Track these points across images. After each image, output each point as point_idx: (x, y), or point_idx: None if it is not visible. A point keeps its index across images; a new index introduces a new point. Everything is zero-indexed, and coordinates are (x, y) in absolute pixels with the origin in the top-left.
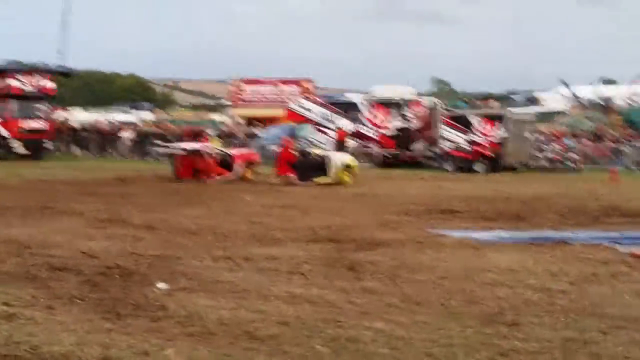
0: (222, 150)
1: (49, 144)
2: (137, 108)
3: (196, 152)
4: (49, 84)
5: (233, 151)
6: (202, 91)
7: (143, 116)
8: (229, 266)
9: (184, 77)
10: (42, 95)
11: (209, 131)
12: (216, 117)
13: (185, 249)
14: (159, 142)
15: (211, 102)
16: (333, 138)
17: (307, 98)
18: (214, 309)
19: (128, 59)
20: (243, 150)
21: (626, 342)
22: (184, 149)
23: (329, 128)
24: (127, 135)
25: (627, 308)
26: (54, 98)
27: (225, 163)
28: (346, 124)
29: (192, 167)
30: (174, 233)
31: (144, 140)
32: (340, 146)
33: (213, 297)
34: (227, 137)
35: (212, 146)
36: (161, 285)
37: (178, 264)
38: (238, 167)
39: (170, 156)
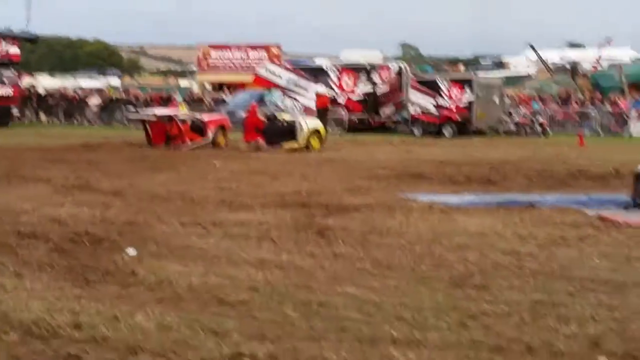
0: (194, 116)
1: (14, 111)
2: (104, 74)
3: (169, 118)
4: (14, 50)
5: (205, 117)
6: (169, 57)
7: (110, 82)
8: (199, 232)
9: (151, 43)
10: (6, 62)
11: (177, 97)
12: (184, 82)
13: (155, 215)
14: (130, 108)
15: (178, 68)
16: (305, 104)
17: (275, 63)
18: (183, 274)
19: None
20: (215, 116)
21: (594, 304)
22: (156, 115)
23: (297, 93)
24: (94, 101)
25: (595, 270)
26: (18, 64)
27: (198, 129)
28: (325, 90)
29: (164, 133)
30: (142, 199)
31: (111, 107)
32: (322, 114)
33: (183, 263)
34: (194, 102)
35: (184, 112)
36: (130, 251)
37: (147, 230)
38: (211, 132)
39: (143, 122)
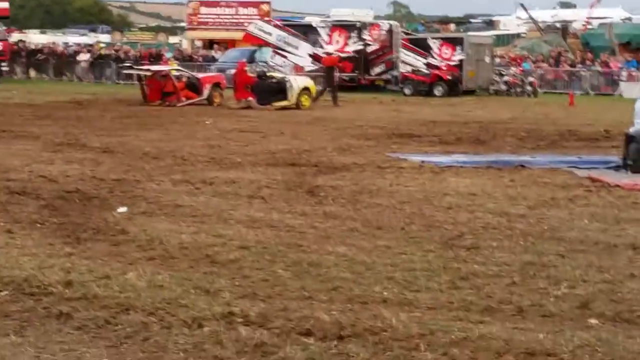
0: (190, 73)
1: (3, 66)
2: (94, 30)
3: (164, 75)
4: (3, 4)
5: (200, 74)
6: (159, 13)
7: (100, 38)
8: (189, 190)
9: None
10: None
11: (167, 54)
12: (174, 39)
13: (145, 172)
14: (126, 63)
15: (168, 25)
16: (295, 62)
17: (265, 21)
18: (174, 233)
19: None
20: (210, 73)
21: (584, 265)
22: (152, 71)
23: (287, 51)
24: (84, 58)
25: (585, 232)
26: (7, 19)
27: (193, 86)
28: (332, 48)
29: (160, 90)
30: (133, 157)
31: (100, 63)
32: (329, 73)
33: (173, 221)
34: (184, 60)
35: (180, 69)
36: (121, 209)
37: (138, 188)
38: (206, 90)
39: (138, 78)
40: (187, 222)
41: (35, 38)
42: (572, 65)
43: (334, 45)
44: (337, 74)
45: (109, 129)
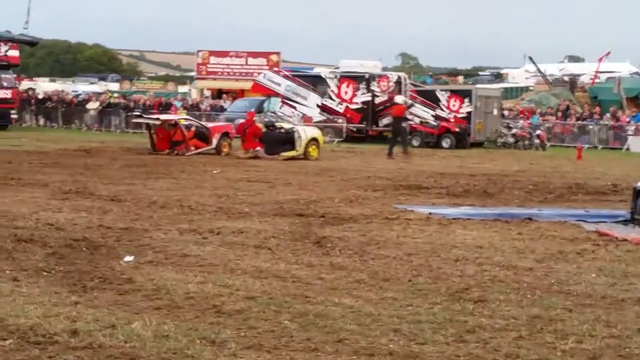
0: (199, 123)
1: (14, 114)
2: (103, 79)
3: (173, 124)
4: (13, 53)
5: (209, 124)
6: (168, 62)
7: (109, 87)
8: (196, 239)
9: (150, 49)
10: (5, 64)
11: (176, 103)
12: (183, 89)
13: (152, 221)
14: (135, 112)
15: (177, 74)
16: (304, 112)
17: (274, 71)
18: (181, 282)
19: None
20: (219, 123)
21: (591, 320)
22: (161, 120)
23: (296, 102)
24: (93, 106)
25: (593, 286)
26: (17, 67)
27: (202, 135)
28: (403, 99)
29: (168, 139)
30: (140, 206)
31: (109, 112)
32: (397, 124)
33: (180, 271)
34: (192, 109)
35: (189, 118)
36: (128, 258)
37: (145, 237)
38: (215, 139)
39: (147, 127)
40: (194, 271)
41: (44, 86)
42: (580, 118)
43: (399, 97)
44: (405, 124)
45: (117, 177)
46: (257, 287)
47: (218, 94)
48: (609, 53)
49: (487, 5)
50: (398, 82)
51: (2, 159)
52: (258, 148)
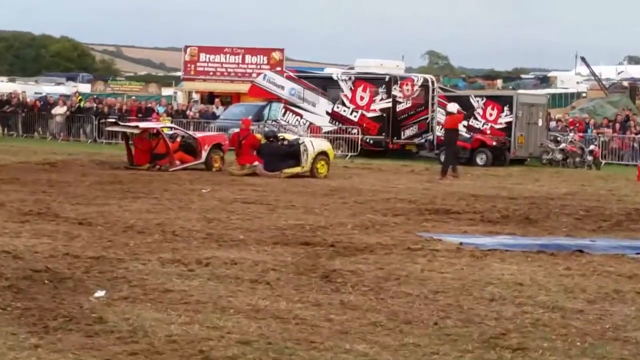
0: (185, 132)
1: None
2: (72, 79)
3: (155, 133)
4: None
5: (198, 133)
6: (149, 59)
7: (79, 88)
8: (180, 272)
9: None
10: None
11: (159, 108)
12: (167, 91)
13: (128, 250)
14: (110, 119)
15: (160, 73)
16: (311, 121)
17: (277, 71)
18: (161, 323)
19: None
20: (209, 133)
21: None
22: (141, 128)
23: (302, 108)
24: (60, 111)
25: None
26: None
27: (189, 147)
28: (456, 108)
29: (149, 152)
30: (114, 230)
31: (79, 118)
32: (452, 136)
33: (161, 309)
34: (178, 116)
35: (174, 126)
36: (99, 293)
37: (119, 268)
38: (204, 152)
39: (124, 137)
40: (178, 310)
41: (1, 87)
42: None
43: (453, 106)
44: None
45: (87, 196)
46: (252, 329)
47: (209, 98)
48: None
49: None
50: (425, 86)
51: None
52: (256, 163)
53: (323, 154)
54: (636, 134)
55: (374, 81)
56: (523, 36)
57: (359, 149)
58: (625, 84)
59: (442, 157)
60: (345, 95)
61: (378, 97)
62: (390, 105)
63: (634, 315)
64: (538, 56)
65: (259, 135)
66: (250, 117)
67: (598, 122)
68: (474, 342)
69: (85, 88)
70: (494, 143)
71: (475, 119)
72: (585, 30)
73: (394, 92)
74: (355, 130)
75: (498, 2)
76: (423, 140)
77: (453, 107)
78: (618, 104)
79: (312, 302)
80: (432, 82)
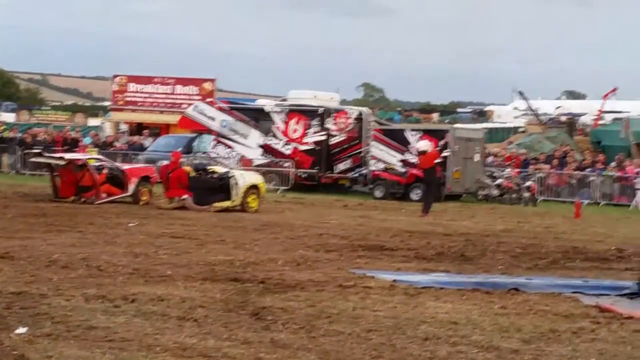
0: (113, 164)
1: None
2: None
3: (81, 165)
4: None
5: (126, 165)
6: (76, 89)
7: (3, 117)
8: (105, 308)
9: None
10: None
11: (86, 139)
12: (94, 121)
13: (52, 285)
14: (35, 150)
15: (87, 103)
16: (242, 153)
17: (208, 102)
18: None
19: None
20: (138, 165)
21: None
22: (66, 159)
23: (233, 140)
24: None
25: None
26: None
27: (116, 180)
28: (428, 145)
29: (74, 183)
30: (37, 265)
31: (2, 148)
32: (431, 175)
33: (85, 346)
34: (106, 147)
35: (101, 157)
36: (20, 330)
37: (42, 304)
38: (132, 185)
39: (48, 168)
40: (102, 348)
41: None
42: (580, 168)
43: (424, 143)
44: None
45: (9, 229)
46: None
47: (138, 129)
48: (615, 89)
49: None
50: (359, 119)
51: None
52: (185, 196)
53: (254, 187)
54: (574, 169)
55: (308, 113)
56: (460, 69)
57: (291, 182)
58: (564, 119)
59: (422, 195)
60: (278, 128)
61: (311, 130)
62: (324, 138)
63: (569, 355)
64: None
65: (188, 168)
66: (180, 149)
67: (535, 158)
68: None
69: (9, 117)
70: None
71: (411, 153)
72: (523, 64)
73: (327, 125)
74: (287, 164)
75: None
76: (357, 175)
77: (425, 145)
78: (556, 139)
79: (241, 340)
80: (367, 115)
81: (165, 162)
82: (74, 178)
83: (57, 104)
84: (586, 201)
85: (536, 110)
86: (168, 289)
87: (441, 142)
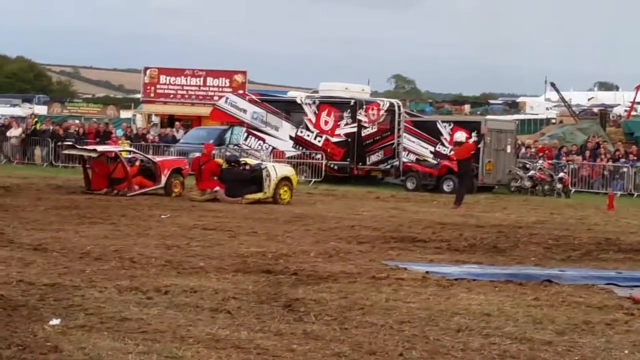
0: (145, 156)
1: None
2: (28, 100)
3: (113, 157)
4: None
5: (157, 157)
6: (108, 81)
7: (35, 110)
8: (138, 300)
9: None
10: None
11: (118, 131)
12: (126, 114)
13: (85, 277)
14: (67, 142)
15: (119, 95)
16: (274, 146)
17: (239, 94)
18: (119, 352)
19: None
20: (169, 157)
21: None
22: (99, 151)
23: (265, 132)
24: (15, 133)
25: None
26: None
27: (148, 172)
28: (462, 134)
29: (107, 176)
30: (70, 257)
31: (35, 141)
32: (466, 166)
33: (118, 338)
34: (137, 139)
35: (133, 150)
36: (54, 321)
37: (75, 296)
38: (164, 177)
39: (81, 160)
40: (135, 339)
41: None
42: (613, 159)
43: (461, 134)
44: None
45: (43, 221)
46: (212, 359)
47: (169, 121)
48: None
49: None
50: (391, 111)
51: None
52: (217, 188)
53: (286, 179)
54: (607, 161)
55: (339, 105)
56: (492, 61)
57: (323, 174)
58: (596, 110)
59: (458, 186)
60: (309, 120)
61: (343, 122)
62: (355, 130)
63: (603, 347)
64: (507, 81)
65: (220, 160)
66: (211, 142)
67: (568, 149)
68: None
69: (42, 110)
70: None
71: (443, 145)
72: (556, 56)
73: (359, 117)
74: (319, 156)
75: (466, 25)
76: (389, 166)
77: (461, 136)
78: (588, 130)
79: (274, 332)
80: (399, 107)
81: (197, 154)
82: (106, 170)
83: (89, 96)
84: (619, 192)
85: (568, 102)
86: (200, 281)
87: (474, 134)
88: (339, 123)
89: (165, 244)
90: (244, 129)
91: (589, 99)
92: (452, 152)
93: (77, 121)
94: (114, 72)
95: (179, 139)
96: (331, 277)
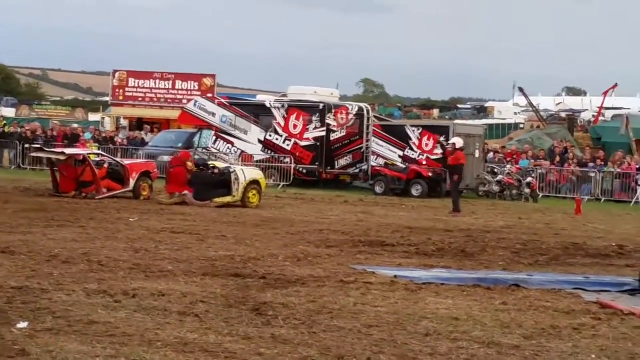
0: (113, 159)
1: None
2: None
3: (81, 160)
4: None
5: (126, 161)
6: (76, 84)
7: (3, 112)
8: (106, 303)
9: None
10: None
11: (86, 134)
12: (94, 117)
13: (53, 280)
14: (35, 145)
15: (87, 98)
16: (243, 149)
17: (208, 98)
18: (86, 356)
19: None
20: (138, 160)
21: None
22: (67, 154)
23: (233, 136)
24: None
25: None
26: None
27: (117, 175)
28: (459, 140)
29: (75, 179)
30: (38, 260)
31: (2, 144)
32: (460, 172)
33: (86, 341)
34: (106, 142)
35: (101, 153)
36: (21, 324)
37: (43, 299)
38: (132, 180)
39: (49, 163)
40: (103, 343)
41: None
42: (580, 164)
43: (457, 140)
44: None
45: (10, 224)
46: None
47: (138, 124)
48: (616, 86)
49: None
50: (359, 115)
51: None
52: (185, 192)
53: (255, 183)
54: (575, 166)
55: (308, 109)
56: (460, 66)
57: (291, 178)
58: (564, 115)
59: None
60: (278, 123)
61: (312, 126)
62: (324, 134)
63: (570, 351)
64: (475, 86)
65: (190, 164)
66: (180, 145)
67: (536, 154)
68: None
69: (10, 112)
70: (430, 174)
71: (411, 149)
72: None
73: (328, 121)
74: (288, 160)
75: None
76: (357, 171)
77: (459, 141)
78: (556, 135)
79: (242, 336)
80: (368, 111)
81: (167, 158)
82: (74, 173)
83: (58, 99)
84: (587, 198)
85: (537, 107)
86: (169, 284)
87: (442, 138)
88: (307, 127)
89: (134, 247)
90: (213, 132)
91: (557, 104)
92: (449, 158)
93: (44, 124)
94: (83, 74)
95: (148, 142)
96: (299, 281)
